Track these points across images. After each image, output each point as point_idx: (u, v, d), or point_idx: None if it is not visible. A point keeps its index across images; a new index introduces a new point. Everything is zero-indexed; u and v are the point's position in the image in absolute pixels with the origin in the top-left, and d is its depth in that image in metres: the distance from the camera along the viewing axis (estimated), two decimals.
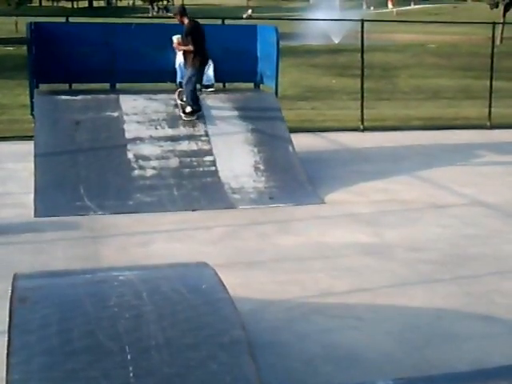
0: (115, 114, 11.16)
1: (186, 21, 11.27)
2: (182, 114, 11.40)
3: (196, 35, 11.17)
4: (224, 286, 5.08)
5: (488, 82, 17.15)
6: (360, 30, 16.35)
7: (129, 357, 4.21)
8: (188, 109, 11.37)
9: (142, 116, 11.23)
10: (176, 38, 11.36)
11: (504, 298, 7.00)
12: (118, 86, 12.53)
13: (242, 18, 15.19)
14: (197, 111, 11.43)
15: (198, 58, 11.26)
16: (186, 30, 11.16)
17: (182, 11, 11.51)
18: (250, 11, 65.10)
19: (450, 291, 7.16)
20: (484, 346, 5.98)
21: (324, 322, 6.37)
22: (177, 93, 11.68)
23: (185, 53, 11.54)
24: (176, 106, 11.59)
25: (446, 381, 5.10)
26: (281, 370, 5.46)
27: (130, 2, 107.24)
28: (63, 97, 11.49)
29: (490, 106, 17.05)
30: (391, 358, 5.76)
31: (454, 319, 6.53)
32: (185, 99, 11.46)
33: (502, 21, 39.53)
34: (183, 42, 11.32)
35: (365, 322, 6.43)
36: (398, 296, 7.01)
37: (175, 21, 11.79)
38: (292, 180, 10.78)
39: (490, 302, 6.90)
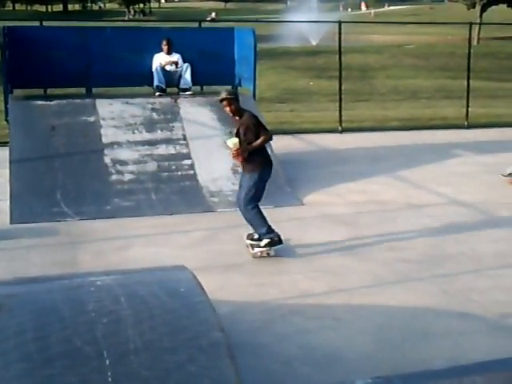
0: (92, 119, 11.12)
1: (244, 110, 8.09)
2: (256, 251, 8.12)
3: (262, 123, 8.16)
4: (202, 288, 5.08)
5: (465, 82, 17.29)
6: (337, 31, 16.41)
7: (107, 361, 4.19)
8: (264, 241, 8.06)
9: (118, 120, 11.19)
10: (233, 144, 7.93)
11: (480, 295, 7.06)
12: (94, 90, 12.50)
13: (205, 21, 15.19)
14: (278, 241, 8.10)
15: (264, 156, 8.16)
16: (251, 122, 7.92)
17: (238, 96, 8.17)
18: (213, 14, 64.91)
19: (427, 290, 7.21)
20: (460, 344, 6.03)
21: (302, 323, 6.40)
22: (245, 236, 8.34)
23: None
24: (153, 109, 11.56)
25: (424, 378, 5.12)
26: (260, 372, 5.47)
27: (102, 6, 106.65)
28: (38, 102, 11.44)
29: (467, 106, 17.18)
30: (369, 357, 5.79)
31: (431, 317, 6.58)
32: (256, 235, 8.14)
33: (478, 21, 39.88)
34: (248, 138, 7.91)
35: (343, 323, 6.46)
36: (375, 296, 7.05)
37: (152, 24, 11.77)
38: (270, 182, 10.66)
39: (466, 300, 6.96)
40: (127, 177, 10.41)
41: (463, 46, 19.22)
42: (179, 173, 10.65)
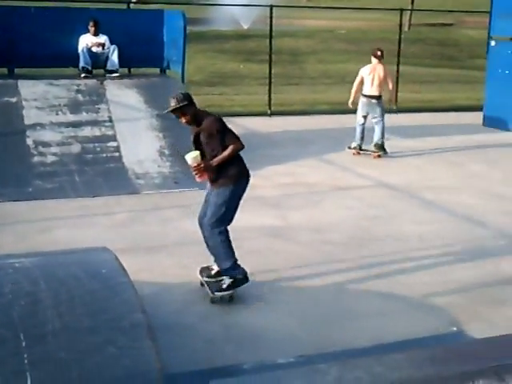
0: (13, 100, 10.83)
1: (203, 114, 6.32)
2: (218, 295, 6.40)
3: (228, 128, 6.42)
4: (124, 270, 5.04)
5: (395, 67, 17.51)
6: (269, 15, 16.41)
7: (23, 344, 4.11)
8: (227, 282, 6.44)
9: (42, 102, 10.94)
10: (192, 158, 6.24)
11: (404, 276, 7.13)
12: (16, 70, 12.20)
13: (132, 2, 15.04)
14: (244, 279, 6.49)
15: (239, 166, 6.49)
16: (215, 127, 6.21)
17: (191, 100, 6.32)
18: None
19: (353, 271, 7.24)
20: (384, 323, 6.08)
21: (227, 303, 6.37)
22: (199, 270, 6.82)
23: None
24: (78, 91, 11.34)
25: (345, 356, 5.17)
26: (183, 351, 5.44)
27: None
28: None
29: (396, 91, 17.37)
30: (293, 337, 5.80)
31: (355, 298, 6.62)
32: (215, 268, 6.64)
33: (410, 7, 40.34)
34: (212, 148, 6.25)
35: (268, 303, 6.44)
36: (301, 277, 7.05)
37: (78, 5, 11.49)
38: None
39: (390, 280, 7.02)
40: (50, 158, 10.18)
41: (394, 32, 19.44)
42: (104, 155, 10.47)
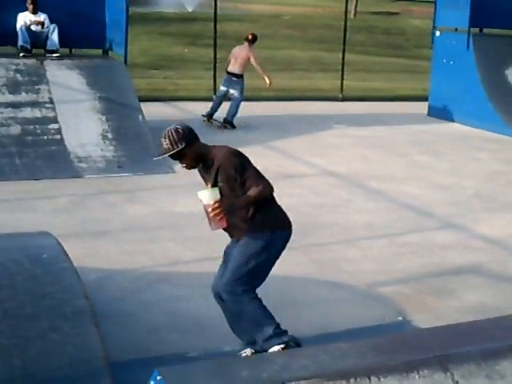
0: None
1: (211, 151, 4.81)
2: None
3: (251, 165, 4.82)
4: (67, 255, 4.97)
5: (340, 55, 17.55)
6: None
7: None
8: (277, 349, 4.73)
9: None
10: (209, 197, 4.64)
11: (349, 265, 7.12)
12: None
13: None
14: (296, 346, 4.79)
15: (275, 210, 4.95)
16: (232, 166, 4.66)
17: (191, 137, 4.80)
18: None
19: (298, 259, 7.18)
20: (329, 312, 6.05)
21: (171, 291, 6.26)
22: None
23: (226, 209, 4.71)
24: (17, 70, 11.01)
25: None
26: (126, 340, 5.32)
27: None
28: None
29: (341, 79, 17.45)
30: None
31: (301, 286, 6.58)
32: (247, 352, 4.96)
33: None
34: (229, 189, 4.68)
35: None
36: None
37: None
38: (141, 149, 10.55)
39: (336, 269, 7.00)
40: None
41: (340, 19, 19.46)
42: (45, 137, 10.26)
